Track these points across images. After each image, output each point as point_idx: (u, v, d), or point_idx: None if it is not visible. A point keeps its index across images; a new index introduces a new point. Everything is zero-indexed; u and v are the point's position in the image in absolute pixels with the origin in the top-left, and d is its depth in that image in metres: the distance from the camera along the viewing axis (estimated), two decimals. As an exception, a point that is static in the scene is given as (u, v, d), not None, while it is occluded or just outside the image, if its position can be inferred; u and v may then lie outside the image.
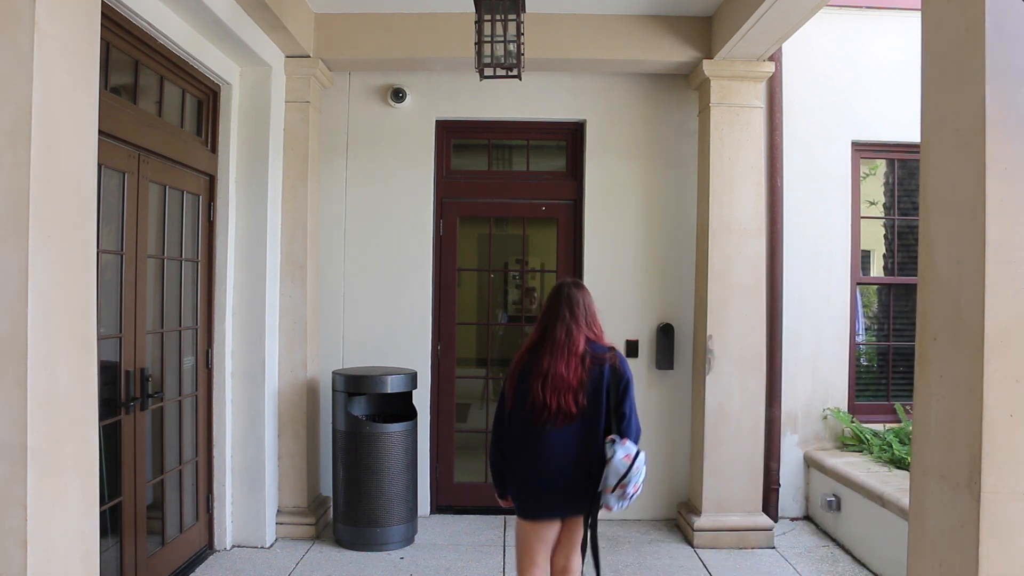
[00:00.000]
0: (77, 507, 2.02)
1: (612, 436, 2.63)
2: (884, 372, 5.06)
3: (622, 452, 2.57)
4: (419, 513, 4.57)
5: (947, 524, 1.88)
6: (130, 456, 3.24)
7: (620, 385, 2.68)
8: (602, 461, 2.61)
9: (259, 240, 4.14)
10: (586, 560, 2.77)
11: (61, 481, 1.95)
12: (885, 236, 5.17)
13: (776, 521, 4.63)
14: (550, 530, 2.73)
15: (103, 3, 2.53)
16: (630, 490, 2.55)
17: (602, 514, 2.67)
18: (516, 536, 2.79)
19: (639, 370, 4.76)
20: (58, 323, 1.94)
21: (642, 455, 2.58)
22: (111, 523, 3.13)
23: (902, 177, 5.08)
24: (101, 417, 2.57)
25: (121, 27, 3.04)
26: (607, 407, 2.66)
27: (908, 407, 4.80)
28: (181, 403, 3.81)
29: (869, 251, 5.20)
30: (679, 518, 4.64)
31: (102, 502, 3.00)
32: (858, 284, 4.99)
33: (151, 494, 3.50)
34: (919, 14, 2.09)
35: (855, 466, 4.38)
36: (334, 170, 4.79)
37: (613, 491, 2.55)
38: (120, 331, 3.18)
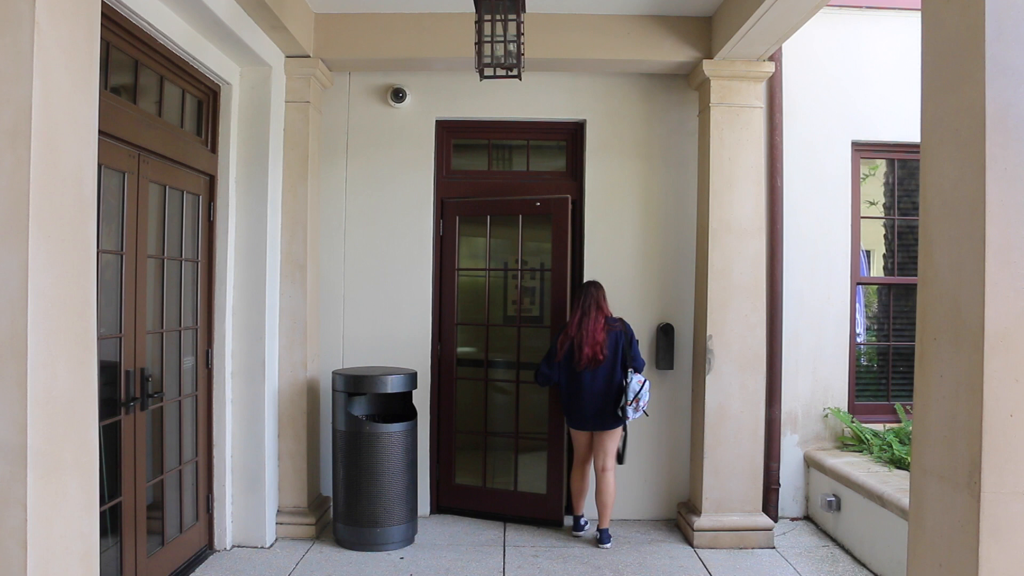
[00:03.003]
0: (77, 507, 2.02)
1: (629, 370, 4.23)
2: (884, 372, 5.06)
3: (636, 379, 4.19)
4: (419, 513, 4.57)
5: (947, 524, 1.88)
6: (130, 456, 3.24)
7: (630, 341, 4.29)
8: (620, 391, 4.20)
9: (259, 240, 4.14)
10: (623, 454, 4.41)
11: (61, 481, 1.95)
12: (885, 236, 5.17)
13: (776, 521, 4.63)
14: (587, 436, 4.35)
15: (103, 3, 2.53)
16: (642, 403, 4.18)
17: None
18: (572, 439, 4.45)
19: (639, 370, 4.77)
20: (58, 323, 1.94)
21: (647, 382, 4.23)
22: (111, 523, 3.13)
23: (902, 177, 5.08)
24: (101, 417, 2.57)
25: (121, 27, 3.04)
26: (622, 355, 4.25)
27: (908, 407, 4.80)
28: (181, 403, 3.81)
29: (869, 251, 5.21)
30: (679, 518, 4.64)
31: (102, 502, 3.00)
32: (858, 284, 4.99)
33: (151, 494, 3.50)
34: (919, 14, 2.09)
35: (855, 466, 4.38)
36: (334, 170, 4.79)
37: (630, 404, 4.15)
38: (120, 331, 3.18)
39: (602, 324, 4.23)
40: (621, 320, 4.34)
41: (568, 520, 4.64)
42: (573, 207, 4.99)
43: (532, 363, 4.66)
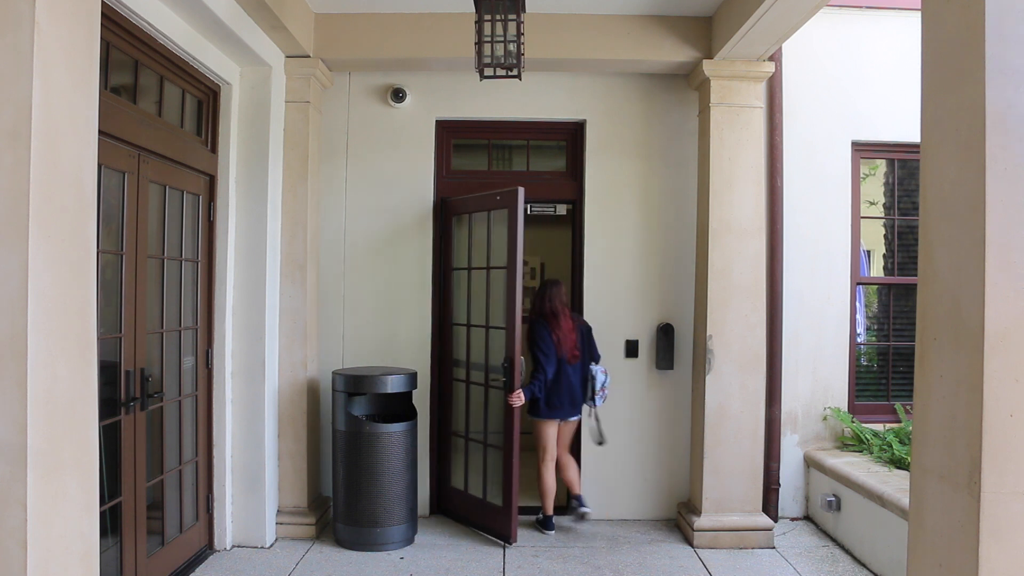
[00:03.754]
0: (77, 507, 2.02)
1: (592, 364, 4.50)
2: (884, 372, 5.06)
3: (600, 369, 4.48)
4: (419, 513, 4.57)
5: (947, 524, 1.88)
6: (130, 456, 3.24)
7: (590, 336, 4.56)
8: (587, 382, 4.47)
9: (259, 240, 4.14)
10: (596, 439, 4.64)
11: (61, 481, 1.95)
12: (885, 236, 5.17)
13: (776, 521, 4.64)
14: (557, 427, 4.47)
15: (103, 3, 2.53)
16: (606, 392, 4.47)
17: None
18: (542, 434, 4.45)
19: (639, 370, 4.78)
20: (58, 323, 1.95)
21: (606, 371, 4.51)
22: (111, 523, 3.13)
23: (902, 177, 5.08)
24: (101, 417, 2.57)
25: (121, 27, 3.04)
26: (588, 349, 4.51)
27: (908, 407, 4.81)
28: (181, 403, 3.81)
29: (869, 251, 5.21)
30: (679, 518, 4.64)
31: (102, 502, 3.00)
32: (858, 284, 4.99)
33: (151, 494, 3.50)
34: (919, 14, 2.09)
35: (855, 466, 4.38)
36: (334, 170, 4.79)
37: (598, 393, 4.43)
38: (120, 331, 3.18)
39: (571, 323, 4.44)
40: (580, 316, 4.62)
41: (552, 519, 4.62)
42: (573, 207, 5.00)
43: (500, 365, 4.49)
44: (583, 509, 4.47)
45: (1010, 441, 1.76)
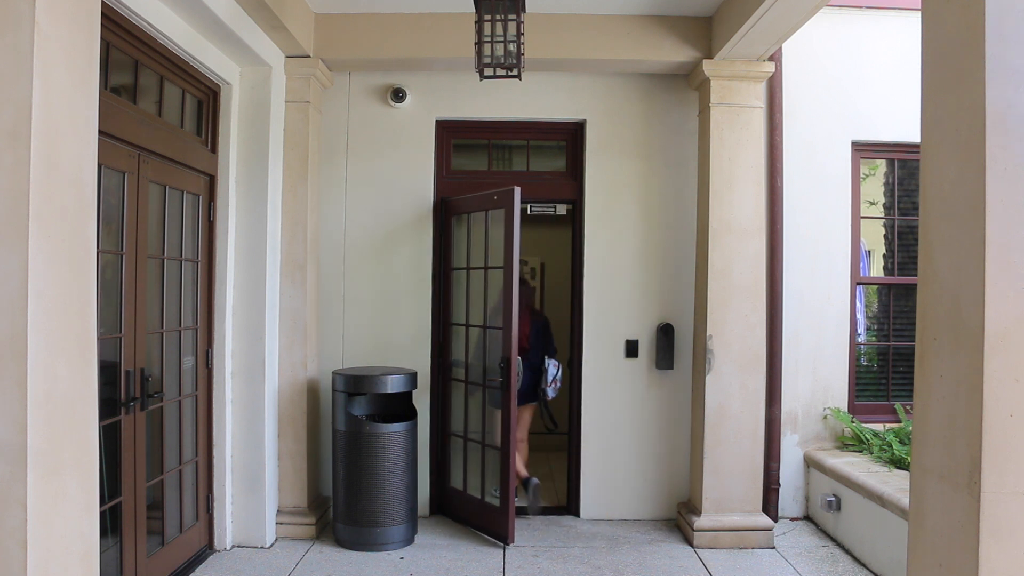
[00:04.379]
0: (77, 507, 2.03)
1: (544, 358, 4.83)
2: (884, 372, 5.06)
3: (552, 363, 4.80)
4: (419, 513, 4.57)
5: (947, 524, 1.88)
6: (130, 456, 3.24)
7: (547, 331, 4.97)
8: (541, 374, 4.81)
9: (259, 240, 4.14)
10: (546, 424, 5.16)
11: (61, 481, 1.96)
12: (885, 236, 5.17)
13: (776, 521, 4.64)
14: (521, 410, 4.83)
15: (103, 3, 2.54)
16: (558, 383, 4.81)
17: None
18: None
19: (639, 370, 4.77)
20: (58, 323, 1.95)
21: (560, 365, 4.85)
22: (111, 523, 3.13)
23: (902, 177, 5.08)
24: (101, 417, 2.57)
25: (121, 27, 3.04)
26: (542, 344, 4.92)
27: (908, 407, 4.81)
28: (181, 403, 3.81)
29: (870, 251, 5.21)
30: (679, 518, 4.64)
31: (102, 502, 3.00)
32: (858, 284, 5.00)
33: (151, 494, 3.50)
34: (919, 14, 2.09)
35: (855, 466, 4.38)
36: (334, 170, 4.79)
37: (549, 385, 4.76)
38: (120, 331, 3.18)
39: (527, 319, 4.85)
40: (541, 312, 5.15)
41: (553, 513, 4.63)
42: (573, 207, 5.01)
43: (497, 365, 4.47)
44: (535, 480, 4.77)
45: (1010, 441, 1.76)
